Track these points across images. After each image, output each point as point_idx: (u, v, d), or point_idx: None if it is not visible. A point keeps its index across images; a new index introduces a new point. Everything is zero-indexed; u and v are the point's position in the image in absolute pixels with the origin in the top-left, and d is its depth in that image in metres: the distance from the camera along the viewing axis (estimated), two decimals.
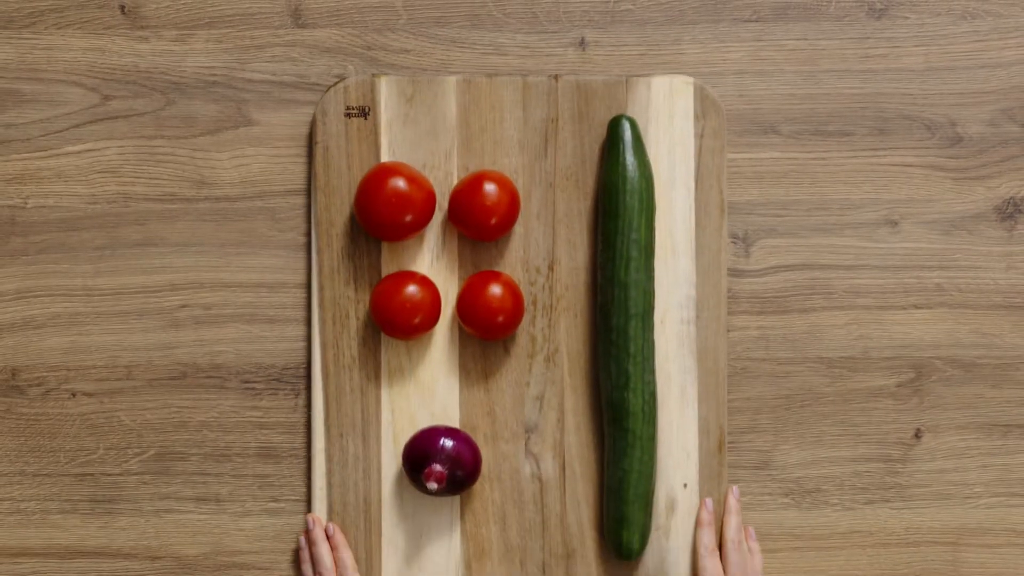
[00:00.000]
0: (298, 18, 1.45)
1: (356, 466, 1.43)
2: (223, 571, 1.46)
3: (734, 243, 1.45)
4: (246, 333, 1.45)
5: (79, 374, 1.45)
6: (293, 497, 1.45)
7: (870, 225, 1.46)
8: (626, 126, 1.41)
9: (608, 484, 1.42)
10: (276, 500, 1.45)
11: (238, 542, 1.45)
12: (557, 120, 1.43)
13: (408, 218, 1.38)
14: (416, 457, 1.38)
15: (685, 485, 1.43)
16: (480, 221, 1.39)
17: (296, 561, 1.45)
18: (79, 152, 1.45)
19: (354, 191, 1.42)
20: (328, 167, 1.43)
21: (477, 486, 1.44)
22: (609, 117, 1.43)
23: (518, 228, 1.43)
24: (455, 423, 1.43)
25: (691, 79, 1.43)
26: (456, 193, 1.41)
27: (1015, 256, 1.46)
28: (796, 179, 1.46)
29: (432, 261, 1.44)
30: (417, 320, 1.38)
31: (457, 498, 1.43)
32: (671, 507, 1.43)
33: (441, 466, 1.36)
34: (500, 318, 1.39)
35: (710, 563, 1.40)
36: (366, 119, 1.43)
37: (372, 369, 1.43)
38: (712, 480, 1.43)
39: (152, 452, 1.45)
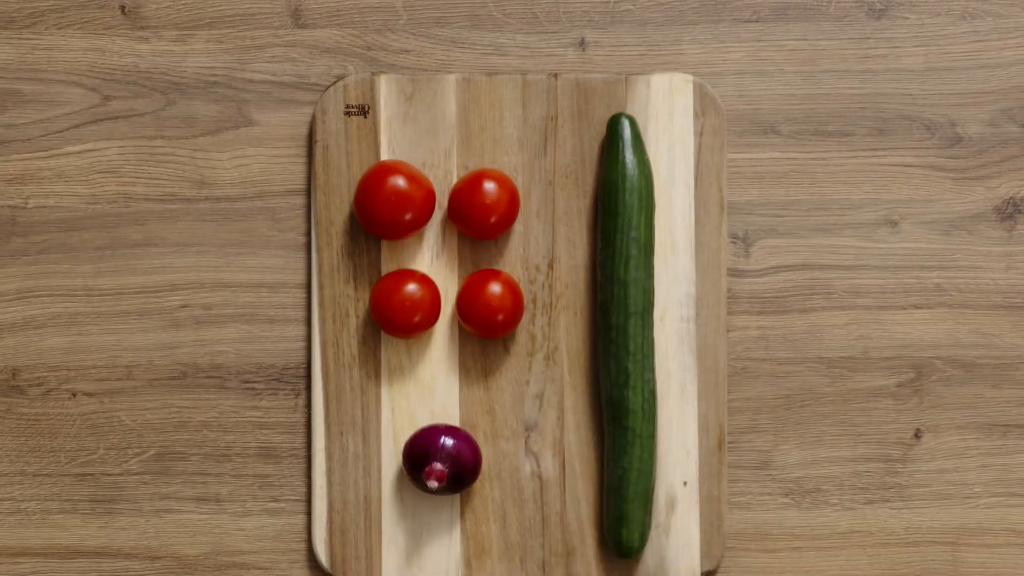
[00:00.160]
0: (298, 18, 1.45)
1: (356, 465, 1.43)
2: (223, 571, 1.46)
3: (734, 243, 1.45)
4: (246, 333, 1.45)
5: (79, 374, 1.45)
6: (293, 497, 1.45)
7: (870, 225, 1.46)
8: (625, 124, 1.41)
9: (608, 482, 1.42)
10: (276, 500, 1.45)
11: (238, 542, 1.45)
12: (557, 118, 1.43)
13: (408, 216, 1.38)
14: (416, 455, 1.38)
15: (685, 483, 1.43)
16: (480, 219, 1.39)
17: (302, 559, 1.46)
18: (79, 152, 1.45)
19: (354, 190, 1.42)
20: (328, 166, 1.43)
21: (477, 484, 1.44)
22: (609, 115, 1.43)
23: (518, 226, 1.43)
24: (455, 421, 1.43)
25: (690, 77, 1.43)
26: (456, 191, 1.41)
27: (1015, 256, 1.46)
28: (796, 179, 1.46)
29: (432, 259, 1.44)
30: (417, 318, 1.39)
31: (457, 496, 1.43)
32: (671, 505, 1.43)
33: (441, 464, 1.36)
34: (500, 316, 1.39)
35: None
36: (366, 117, 1.43)
37: (372, 368, 1.43)
38: (712, 478, 1.43)
39: (152, 452, 1.45)
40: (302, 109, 1.45)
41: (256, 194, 1.45)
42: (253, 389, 1.45)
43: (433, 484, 1.36)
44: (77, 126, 1.45)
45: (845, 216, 1.46)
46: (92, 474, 1.45)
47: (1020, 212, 1.46)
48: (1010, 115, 1.46)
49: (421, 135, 1.43)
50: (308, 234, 1.45)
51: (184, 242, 1.45)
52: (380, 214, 1.37)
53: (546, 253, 1.44)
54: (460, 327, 1.43)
